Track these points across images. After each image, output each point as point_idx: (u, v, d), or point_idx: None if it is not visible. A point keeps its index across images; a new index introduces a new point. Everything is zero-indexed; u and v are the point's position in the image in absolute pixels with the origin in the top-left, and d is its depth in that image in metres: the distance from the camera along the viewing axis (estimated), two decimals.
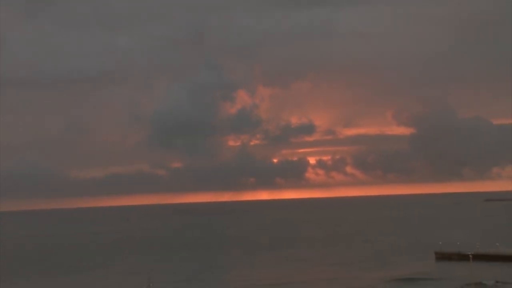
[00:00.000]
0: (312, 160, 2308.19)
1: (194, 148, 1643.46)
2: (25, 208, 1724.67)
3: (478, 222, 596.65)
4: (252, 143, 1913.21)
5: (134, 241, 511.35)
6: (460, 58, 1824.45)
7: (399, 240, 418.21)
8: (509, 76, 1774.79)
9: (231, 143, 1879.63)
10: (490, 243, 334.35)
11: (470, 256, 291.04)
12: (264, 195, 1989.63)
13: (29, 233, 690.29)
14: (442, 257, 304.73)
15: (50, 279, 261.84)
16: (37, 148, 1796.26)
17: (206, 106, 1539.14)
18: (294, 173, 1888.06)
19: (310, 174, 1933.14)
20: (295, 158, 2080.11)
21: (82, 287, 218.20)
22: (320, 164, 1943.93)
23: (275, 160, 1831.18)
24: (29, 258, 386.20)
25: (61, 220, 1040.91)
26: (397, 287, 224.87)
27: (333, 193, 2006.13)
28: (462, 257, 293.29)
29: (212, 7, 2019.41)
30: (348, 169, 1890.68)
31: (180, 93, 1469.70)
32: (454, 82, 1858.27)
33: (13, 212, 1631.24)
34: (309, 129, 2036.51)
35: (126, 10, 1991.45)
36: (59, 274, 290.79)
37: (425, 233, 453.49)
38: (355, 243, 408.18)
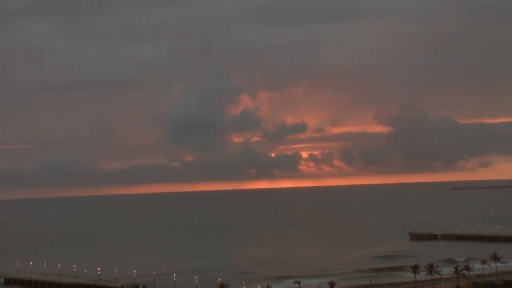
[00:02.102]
0: (304, 155, 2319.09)
1: (203, 144, 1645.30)
2: (60, 195, 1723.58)
3: (446, 207, 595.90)
4: (253, 140, 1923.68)
5: (152, 224, 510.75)
6: (430, 67, 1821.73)
7: (378, 222, 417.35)
8: (473, 82, 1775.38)
9: (235, 140, 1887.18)
10: (456, 224, 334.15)
11: (439, 236, 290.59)
12: (263, 185, 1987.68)
13: (63, 216, 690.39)
14: (416, 237, 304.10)
15: (82, 255, 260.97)
16: (71, 144, 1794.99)
17: (213, 108, 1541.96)
18: (289, 166, 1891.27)
19: (302, 167, 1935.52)
20: (290, 153, 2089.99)
21: (108, 263, 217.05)
22: (311, 158, 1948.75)
23: (272, 155, 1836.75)
24: (65, 237, 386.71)
25: (90, 206, 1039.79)
26: (378, 263, 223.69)
27: (322, 182, 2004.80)
28: (432, 237, 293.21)
29: (219, 23, 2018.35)
30: (335, 162, 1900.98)
31: (191, 97, 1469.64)
32: (426, 87, 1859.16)
33: (50, 198, 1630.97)
34: (302, 127, 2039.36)
35: (145, 27, 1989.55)
36: (90, 252, 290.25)
37: (400, 217, 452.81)
38: (341, 225, 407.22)
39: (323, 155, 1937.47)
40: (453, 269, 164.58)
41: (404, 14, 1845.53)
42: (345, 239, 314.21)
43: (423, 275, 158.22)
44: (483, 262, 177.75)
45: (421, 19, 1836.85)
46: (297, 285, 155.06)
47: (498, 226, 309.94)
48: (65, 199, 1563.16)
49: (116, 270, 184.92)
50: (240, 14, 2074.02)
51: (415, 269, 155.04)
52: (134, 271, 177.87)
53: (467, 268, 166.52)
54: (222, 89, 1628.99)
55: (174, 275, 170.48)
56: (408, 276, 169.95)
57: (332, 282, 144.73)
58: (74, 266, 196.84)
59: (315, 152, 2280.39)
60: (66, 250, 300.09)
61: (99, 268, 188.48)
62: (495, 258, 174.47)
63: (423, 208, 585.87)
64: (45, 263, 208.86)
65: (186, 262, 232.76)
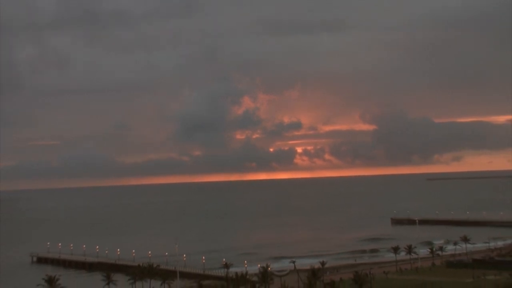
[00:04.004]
0: (299, 149, 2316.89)
1: (210, 140, 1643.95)
2: (84, 185, 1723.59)
3: (422, 195, 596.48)
4: (254, 137, 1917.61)
5: (165, 210, 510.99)
6: (410, 73, 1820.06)
7: (364, 209, 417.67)
8: (447, 86, 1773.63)
9: (238, 136, 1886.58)
10: (432, 211, 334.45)
11: (417, 221, 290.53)
12: (262, 176, 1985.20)
13: (87, 204, 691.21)
14: (396, 222, 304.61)
15: (103, 238, 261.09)
16: (93, 140, 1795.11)
17: (219, 108, 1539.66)
18: (286, 159, 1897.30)
19: (297, 160, 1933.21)
20: (286, 148, 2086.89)
21: (127, 245, 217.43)
22: (305, 152, 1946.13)
23: (271, 150, 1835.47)
24: (88, 222, 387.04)
25: (110, 195, 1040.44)
26: (364, 245, 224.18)
27: (315, 174, 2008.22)
28: (411, 222, 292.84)
29: (223, 33, 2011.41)
30: (326, 156, 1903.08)
31: (199, 99, 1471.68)
32: (406, 91, 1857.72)
33: (75, 188, 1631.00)
34: (297, 126, 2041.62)
35: (159, 37, 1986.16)
36: (110, 234, 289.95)
37: (383, 204, 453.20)
38: (331, 212, 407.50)
39: (315, 150, 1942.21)
40: (429, 250, 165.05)
41: (387, 26, 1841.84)
42: (335, 224, 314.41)
43: (402, 255, 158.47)
44: (455, 243, 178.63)
45: (402, 30, 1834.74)
46: (292, 264, 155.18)
47: (468, 212, 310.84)
48: (89, 189, 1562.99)
49: (133, 251, 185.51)
50: (242, 26, 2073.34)
51: (396, 250, 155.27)
52: (149, 252, 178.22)
53: (441, 248, 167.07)
54: (227, 92, 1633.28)
55: (184, 255, 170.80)
56: (390, 256, 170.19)
57: (323, 261, 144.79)
58: (97, 247, 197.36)
59: (309, 148, 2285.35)
60: (90, 233, 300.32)
61: (118, 249, 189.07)
62: (465, 239, 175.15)
63: (402, 196, 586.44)
64: (71, 245, 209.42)
65: (194, 244, 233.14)
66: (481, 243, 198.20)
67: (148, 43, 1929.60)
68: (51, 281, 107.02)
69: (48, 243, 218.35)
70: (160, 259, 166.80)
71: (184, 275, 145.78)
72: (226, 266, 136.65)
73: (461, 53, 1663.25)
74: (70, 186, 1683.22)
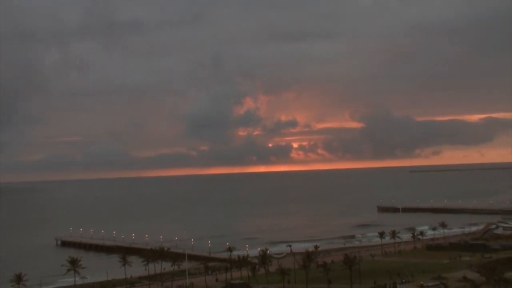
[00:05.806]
0: (295, 145, 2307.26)
1: (215, 137, 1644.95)
2: (103, 177, 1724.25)
3: (405, 186, 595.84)
4: (254, 134, 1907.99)
5: (174, 199, 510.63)
6: (394, 76, 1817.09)
7: (353, 198, 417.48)
8: (427, 88, 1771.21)
9: (240, 133, 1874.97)
10: (413, 200, 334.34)
11: (400, 208, 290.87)
12: (262, 169, 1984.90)
13: (105, 194, 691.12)
14: (382, 210, 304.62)
15: (120, 224, 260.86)
16: (110, 137, 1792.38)
17: (223, 108, 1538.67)
18: (283, 154, 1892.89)
19: (294, 154, 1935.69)
20: (283, 144, 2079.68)
21: (140, 230, 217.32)
22: (301, 147, 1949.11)
23: (270, 145, 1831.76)
24: (106, 210, 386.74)
25: (126, 185, 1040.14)
26: (353, 230, 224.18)
27: (309, 167, 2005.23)
28: (395, 210, 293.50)
29: (227, 41, 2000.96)
30: (319, 151, 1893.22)
31: (206, 99, 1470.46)
32: (390, 92, 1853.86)
33: (95, 179, 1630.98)
34: (293, 123, 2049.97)
35: (169, 43, 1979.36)
36: (126, 221, 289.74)
37: (370, 194, 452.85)
38: (324, 201, 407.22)
39: (309, 146, 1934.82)
40: (411, 235, 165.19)
41: (374, 34, 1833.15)
42: (327, 212, 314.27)
43: (387, 239, 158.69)
44: (434, 229, 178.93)
45: (386, 38, 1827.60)
46: (289, 248, 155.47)
47: (445, 200, 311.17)
48: (107, 180, 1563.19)
49: (146, 235, 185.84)
50: (244, 34, 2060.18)
51: (381, 235, 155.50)
52: (161, 237, 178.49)
53: (422, 233, 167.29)
54: (230, 93, 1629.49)
55: (192, 239, 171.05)
56: (376, 240, 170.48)
57: (316, 245, 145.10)
58: (114, 232, 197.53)
59: (304, 143, 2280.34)
60: (108, 220, 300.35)
61: (133, 234, 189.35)
62: (443, 225, 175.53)
63: (387, 187, 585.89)
64: (92, 230, 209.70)
65: (201, 229, 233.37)
66: (457, 228, 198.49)
67: (160, 49, 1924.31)
68: (73, 262, 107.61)
69: (71, 229, 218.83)
70: (171, 243, 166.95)
71: (192, 258, 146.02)
72: (229, 249, 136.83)
73: (440, 59, 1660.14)
74: (90, 178, 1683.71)
